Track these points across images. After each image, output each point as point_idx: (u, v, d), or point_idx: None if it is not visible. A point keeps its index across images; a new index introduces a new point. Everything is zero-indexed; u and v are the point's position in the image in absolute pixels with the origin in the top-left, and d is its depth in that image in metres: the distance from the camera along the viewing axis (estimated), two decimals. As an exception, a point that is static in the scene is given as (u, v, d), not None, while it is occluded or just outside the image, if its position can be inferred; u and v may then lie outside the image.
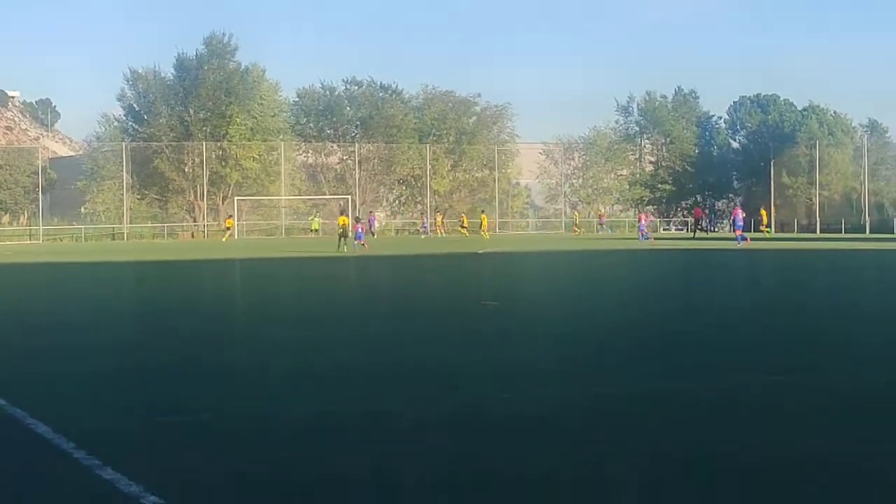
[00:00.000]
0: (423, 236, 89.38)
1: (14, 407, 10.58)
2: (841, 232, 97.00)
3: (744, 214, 72.93)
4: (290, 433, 9.58)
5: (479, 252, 54.89)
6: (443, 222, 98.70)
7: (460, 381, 12.46)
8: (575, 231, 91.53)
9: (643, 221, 77.07)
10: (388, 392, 11.75)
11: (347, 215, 65.93)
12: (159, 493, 7.26)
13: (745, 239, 64.01)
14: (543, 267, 44.80)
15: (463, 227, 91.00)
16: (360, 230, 58.17)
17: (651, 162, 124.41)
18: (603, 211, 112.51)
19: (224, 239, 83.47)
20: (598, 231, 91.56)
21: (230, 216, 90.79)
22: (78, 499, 7.22)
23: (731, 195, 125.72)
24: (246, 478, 7.94)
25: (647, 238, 72.32)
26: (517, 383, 12.37)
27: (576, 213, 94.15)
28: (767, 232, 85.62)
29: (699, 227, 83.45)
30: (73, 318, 21.58)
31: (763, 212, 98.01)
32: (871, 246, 61.06)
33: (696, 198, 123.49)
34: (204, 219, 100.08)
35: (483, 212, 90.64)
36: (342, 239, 57.89)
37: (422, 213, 72.87)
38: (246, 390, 11.98)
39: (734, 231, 67.87)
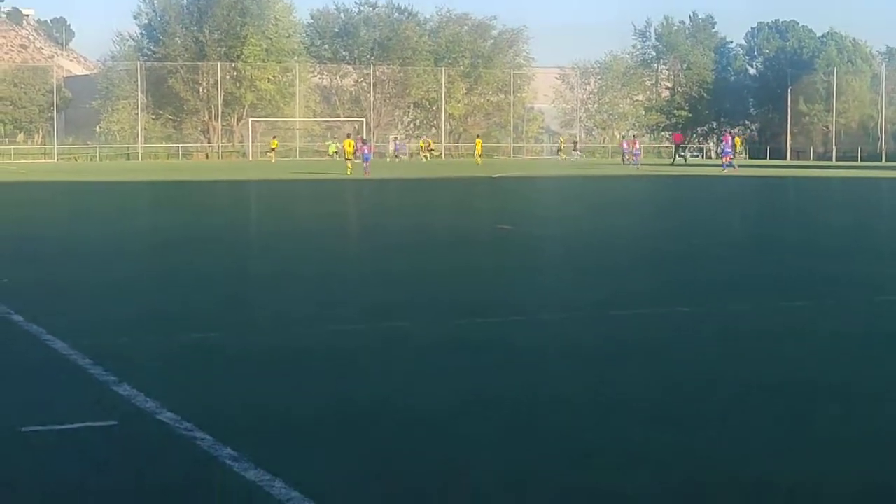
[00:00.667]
0: (397, 160, 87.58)
1: (30, 324, 10.60)
2: (857, 160, 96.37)
3: (734, 141, 72.07)
4: (304, 356, 9.58)
5: (494, 177, 54.72)
6: (430, 146, 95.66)
7: (478, 305, 12.45)
8: (561, 157, 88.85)
9: (626, 147, 76.45)
10: (404, 315, 11.74)
11: (353, 138, 65.37)
12: (175, 409, 7.26)
13: (733, 166, 63.07)
14: (553, 192, 44.71)
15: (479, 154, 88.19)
16: (367, 152, 57.59)
17: (667, 88, 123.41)
18: (578, 140, 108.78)
19: (272, 161, 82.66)
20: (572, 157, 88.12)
21: (274, 137, 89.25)
22: (94, 414, 7.22)
23: (746, 122, 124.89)
24: (262, 392, 7.95)
25: (636, 164, 71.44)
26: (534, 307, 12.36)
27: (561, 140, 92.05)
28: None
29: (679, 153, 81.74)
30: (91, 236, 21.60)
31: (738, 140, 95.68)
32: (876, 175, 60.65)
33: (711, 124, 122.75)
34: (218, 140, 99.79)
35: (478, 136, 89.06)
36: (349, 161, 57.99)
37: (394, 139, 68.56)
38: (263, 316, 11.96)
39: (722, 157, 66.34)
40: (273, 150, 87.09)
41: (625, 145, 77.14)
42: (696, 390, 8.21)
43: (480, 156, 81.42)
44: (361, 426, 7.11)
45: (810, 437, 6.95)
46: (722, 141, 69.85)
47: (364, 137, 71.40)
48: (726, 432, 6.98)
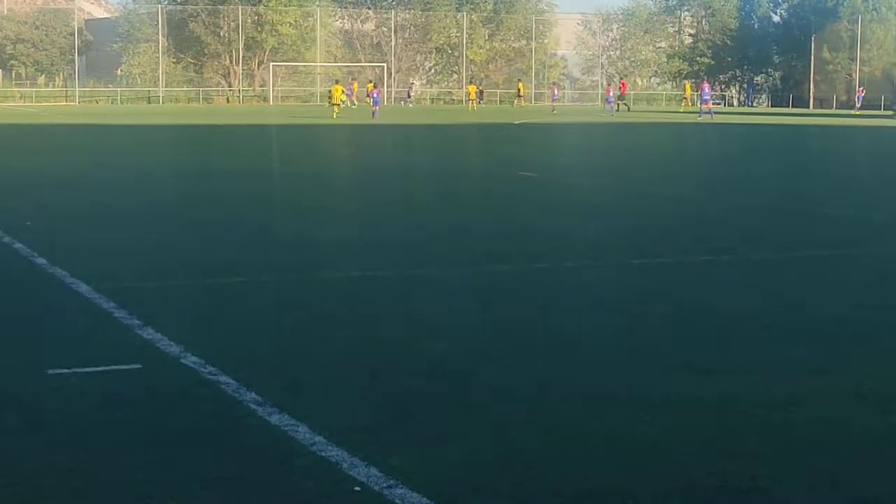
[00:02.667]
0: (353, 107, 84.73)
1: (54, 266, 10.63)
2: (880, 109, 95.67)
3: (710, 89, 72.01)
4: (328, 302, 9.60)
5: (516, 123, 54.57)
6: (412, 94, 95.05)
7: (498, 250, 12.46)
8: (518, 104, 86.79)
9: (611, 93, 76.68)
10: (426, 259, 11.76)
11: (341, 84, 65.01)
12: (199, 353, 7.28)
13: (711, 113, 63.10)
14: (572, 138, 44.58)
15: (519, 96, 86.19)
16: (376, 96, 57.22)
17: (690, 35, 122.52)
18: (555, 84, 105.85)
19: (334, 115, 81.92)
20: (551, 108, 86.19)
21: (337, 81, 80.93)
22: (118, 358, 7.25)
23: (769, 69, 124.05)
24: (286, 338, 7.98)
25: (611, 111, 71.55)
26: (555, 252, 12.36)
27: (520, 85, 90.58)
28: (686, 107, 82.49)
29: (623, 102, 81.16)
30: (115, 182, 21.64)
31: (687, 85, 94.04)
32: (883, 123, 60.26)
33: (733, 72, 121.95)
34: (239, 84, 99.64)
35: (471, 82, 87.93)
36: (335, 106, 57.99)
37: (373, 83, 65.77)
38: (286, 255, 12.00)
39: (700, 104, 66.12)
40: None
41: (610, 92, 77.46)
42: (718, 338, 8.20)
43: (476, 102, 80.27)
44: (384, 371, 7.13)
45: (832, 384, 6.94)
46: (700, 89, 69.62)
47: (373, 80, 70.79)
48: (748, 379, 6.97)
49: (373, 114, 54.89)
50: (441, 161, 28.86)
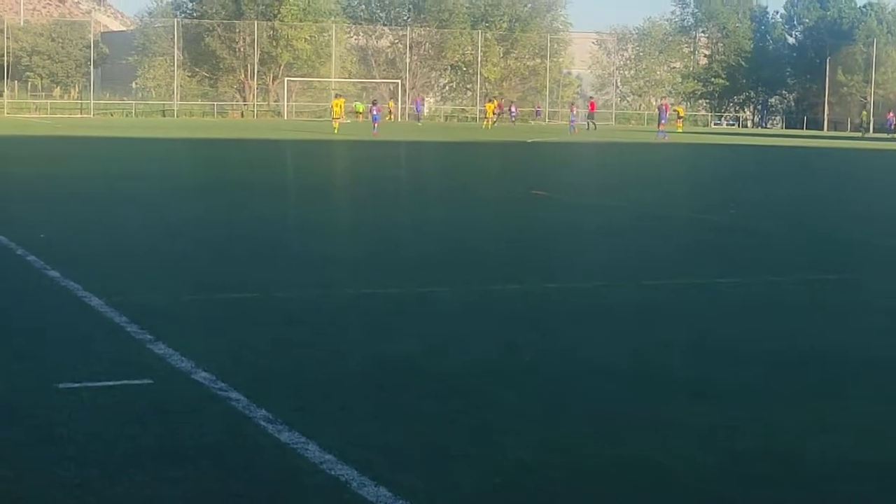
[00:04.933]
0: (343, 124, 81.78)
1: (67, 279, 10.63)
2: (893, 132, 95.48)
3: (669, 110, 72.03)
4: (340, 318, 9.59)
5: (528, 141, 54.58)
6: (392, 107, 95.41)
7: (512, 270, 12.45)
8: (486, 123, 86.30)
9: (574, 111, 77.08)
10: (438, 277, 11.75)
11: (342, 98, 65.30)
12: (211, 369, 7.28)
13: (665, 135, 62.64)
14: (587, 157, 44.57)
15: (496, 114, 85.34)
16: (376, 113, 57.35)
17: (705, 55, 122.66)
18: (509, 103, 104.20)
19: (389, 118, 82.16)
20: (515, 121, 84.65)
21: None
22: (129, 373, 7.25)
23: (783, 91, 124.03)
24: (297, 355, 7.97)
25: (573, 129, 71.81)
26: (566, 272, 12.35)
27: (489, 105, 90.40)
28: (681, 128, 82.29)
29: (591, 121, 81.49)
30: (130, 195, 21.67)
31: (679, 108, 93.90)
32: (884, 147, 60.12)
33: (748, 93, 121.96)
34: (254, 98, 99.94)
35: (490, 100, 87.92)
36: (336, 121, 58.41)
37: (374, 102, 64.93)
38: (298, 271, 12.00)
39: (660, 125, 65.62)
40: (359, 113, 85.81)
41: (573, 110, 77.92)
42: (728, 362, 8.17)
43: (491, 119, 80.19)
44: (395, 389, 7.12)
45: (845, 410, 6.91)
46: (663, 109, 68.82)
47: (374, 98, 70.65)
48: (758, 405, 6.95)
49: (373, 131, 54.93)
50: (454, 179, 28.87)
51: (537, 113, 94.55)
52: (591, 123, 79.24)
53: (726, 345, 8.76)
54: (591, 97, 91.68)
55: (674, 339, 8.93)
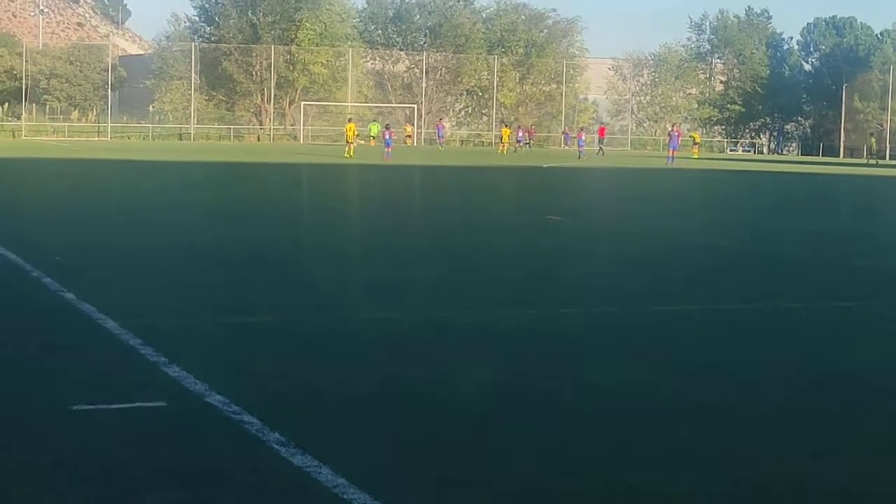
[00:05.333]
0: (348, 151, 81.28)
1: (83, 302, 10.66)
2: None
3: (681, 135, 70.99)
4: (353, 342, 9.60)
5: (544, 167, 54.62)
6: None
7: (527, 295, 12.45)
8: (501, 149, 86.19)
9: (582, 137, 77.16)
10: (452, 302, 11.75)
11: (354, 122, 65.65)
12: (224, 392, 7.29)
13: (673, 160, 62.36)
14: (602, 183, 44.56)
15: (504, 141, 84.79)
16: (388, 137, 57.38)
17: (721, 82, 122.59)
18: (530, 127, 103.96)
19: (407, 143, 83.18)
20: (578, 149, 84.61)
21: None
22: (144, 395, 7.27)
23: (799, 118, 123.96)
24: (310, 378, 7.97)
25: (582, 154, 71.75)
26: (580, 297, 12.34)
27: (505, 130, 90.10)
28: (697, 154, 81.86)
29: (601, 146, 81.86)
30: (145, 218, 21.73)
31: (694, 134, 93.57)
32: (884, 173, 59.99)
33: (764, 120, 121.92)
34: (270, 122, 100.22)
35: (507, 126, 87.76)
36: (350, 145, 58.76)
37: (387, 127, 63.86)
38: (312, 295, 12.02)
39: (670, 151, 64.69)
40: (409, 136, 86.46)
41: (581, 136, 77.80)
42: (744, 388, 8.15)
43: (506, 146, 79.87)
44: (409, 413, 7.12)
45: (858, 438, 6.89)
46: (674, 135, 67.56)
47: (388, 122, 70.67)
48: (775, 431, 6.93)
49: (384, 155, 54.86)
50: (469, 203, 28.88)
51: (566, 138, 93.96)
52: (601, 149, 79.50)
53: (740, 370, 8.74)
54: (601, 123, 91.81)
55: (687, 365, 8.91)
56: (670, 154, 63.57)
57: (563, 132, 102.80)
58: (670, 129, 74.10)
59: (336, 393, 7.62)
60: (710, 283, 14.03)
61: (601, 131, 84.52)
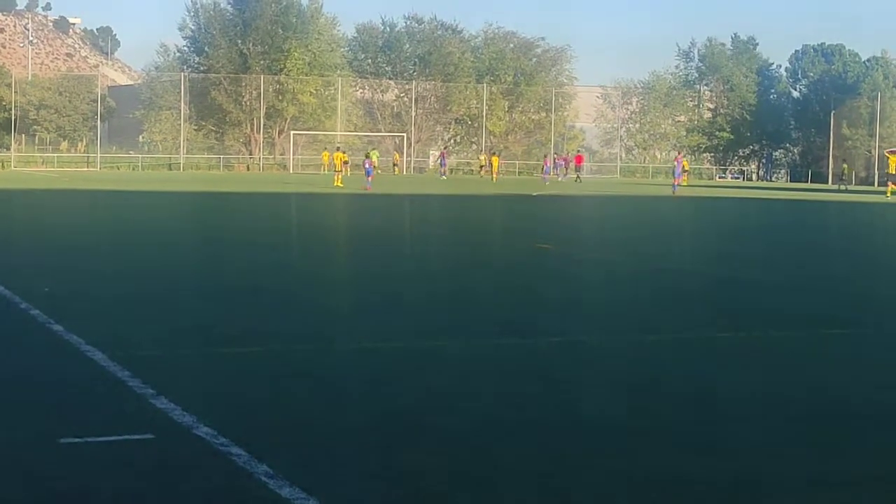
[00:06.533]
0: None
1: (70, 333, 10.65)
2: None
3: (685, 162, 70.01)
4: (342, 374, 9.59)
5: (534, 195, 54.72)
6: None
7: (516, 323, 12.46)
8: (482, 175, 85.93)
9: (547, 164, 77.26)
10: (441, 331, 11.74)
11: (343, 151, 66.10)
12: (212, 424, 7.27)
13: (674, 188, 61.39)
14: (592, 211, 44.64)
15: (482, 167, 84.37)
16: (368, 167, 57.22)
17: (710, 109, 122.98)
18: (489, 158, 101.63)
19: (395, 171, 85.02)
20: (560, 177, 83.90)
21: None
22: (131, 427, 7.25)
23: (788, 144, 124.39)
24: (299, 409, 7.96)
25: (545, 179, 71.82)
26: (570, 326, 12.35)
27: (482, 157, 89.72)
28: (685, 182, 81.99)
29: (577, 173, 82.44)
30: (133, 247, 21.71)
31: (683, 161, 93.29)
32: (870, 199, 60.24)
33: (752, 146, 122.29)
34: (260, 152, 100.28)
35: (496, 154, 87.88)
36: (338, 174, 59.15)
37: (367, 156, 64.12)
38: (300, 324, 12.01)
39: (675, 179, 63.35)
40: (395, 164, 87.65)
41: (547, 163, 77.95)
42: (734, 417, 8.15)
43: (488, 172, 79.99)
44: (397, 445, 7.11)
45: (852, 466, 6.89)
46: (678, 163, 66.54)
47: (367, 151, 70.85)
48: (767, 460, 6.93)
49: (366, 185, 54.60)
50: (458, 232, 28.88)
51: (565, 164, 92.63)
52: (577, 176, 79.88)
53: (730, 399, 8.74)
54: (578, 151, 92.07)
55: (677, 393, 8.91)
56: (675, 183, 62.79)
57: (562, 158, 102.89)
58: (675, 157, 73.88)
59: (324, 424, 7.60)
60: (698, 311, 14.03)
61: (578, 159, 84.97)
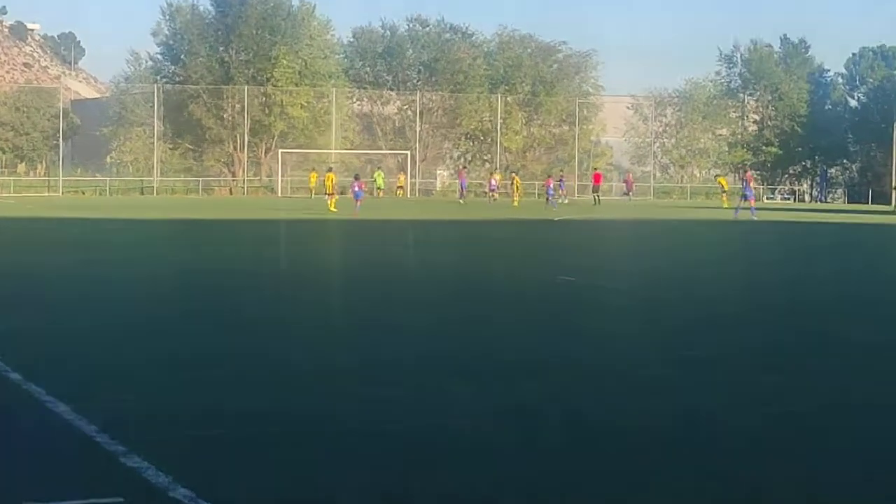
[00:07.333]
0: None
1: (29, 383, 10.70)
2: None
3: (753, 182, 65.86)
4: (340, 435, 9.61)
5: (555, 220, 54.77)
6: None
7: (536, 370, 12.48)
8: (494, 198, 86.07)
9: (550, 185, 76.57)
10: (452, 378, 11.76)
11: (335, 172, 66.52)
12: (190, 485, 7.33)
13: (752, 210, 58.54)
14: (612, 237, 44.64)
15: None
16: (358, 189, 57.01)
17: (755, 121, 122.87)
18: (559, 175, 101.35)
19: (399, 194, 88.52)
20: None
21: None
22: (100, 489, 7.31)
23: (845, 160, 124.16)
24: (283, 479, 8.00)
25: (553, 204, 71.52)
26: (598, 378, 12.38)
27: (496, 176, 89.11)
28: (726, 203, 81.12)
29: (596, 194, 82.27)
30: (99, 283, 21.77)
31: (722, 179, 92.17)
32: None
33: (804, 163, 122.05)
34: (244, 173, 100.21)
35: (514, 173, 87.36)
36: (330, 197, 59.35)
37: (356, 177, 64.38)
38: (294, 382, 12.02)
39: (744, 200, 60.02)
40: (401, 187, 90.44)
41: (549, 184, 77.45)
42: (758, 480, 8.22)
43: (519, 195, 79.69)
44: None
45: None
46: (744, 181, 63.46)
47: (357, 173, 70.93)
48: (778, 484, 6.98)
49: (355, 209, 54.48)
50: (472, 263, 28.83)
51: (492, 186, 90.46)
52: (596, 198, 79.76)
53: (763, 461, 8.80)
54: (595, 169, 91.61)
55: (723, 453, 8.95)
56: (752, 205, 59.66)
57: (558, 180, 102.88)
58: (743, 175, 71.51)
59: (314, 494, 7.64)
60: (751, 360, 14.05)
61: (595, 178, 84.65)
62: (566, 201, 78.36)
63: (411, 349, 13.79)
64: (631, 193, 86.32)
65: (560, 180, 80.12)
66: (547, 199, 73.59)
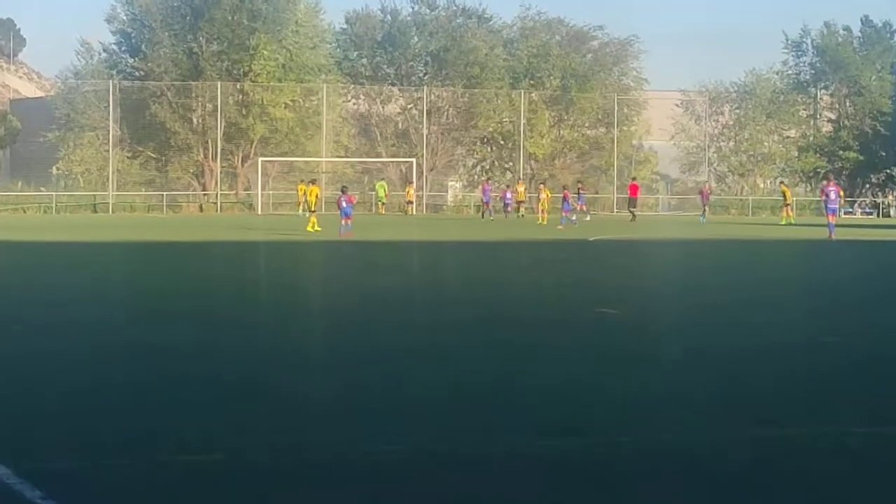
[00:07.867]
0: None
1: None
2: None
3: (836, 194, 60.91)
4: (335, 486, 9.61)
5: (591, 240, 54.82)
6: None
7: (573, 416, 12.47)
8: (522, 213, 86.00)
9: (568, 198, 75.15)
10: (460, 429, 11.74)
11: (320, 185, 66.96)
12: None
13: (830, 228, 56.47)
14: (667, 261, 44.65)
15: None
16: (346, 205, 56.48)
17: (830, 120, 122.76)
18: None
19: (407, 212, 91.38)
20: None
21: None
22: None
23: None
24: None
25: (572, 220, 71.16)
26: (643, 420, 12.35)
27: (520, 189, 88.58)
28: (787, 218, 79.95)
29: (631, 209, 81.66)
30: (39, 319, 21.81)
31: (785, 189, 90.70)
32: None
33: (889, 171, 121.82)
34: (217, 186, 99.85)
35: (543, 184, 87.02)
36: (311, 214, 59.72)
37: (343, 190, 63.83)
38: (267, 423, 12.02)
39: (827, 215, 58.68)
40: (410, 202, 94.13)
41: (567, 196, 76.53)
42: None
43: (546, 209, 79.23)
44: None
45: None
46: (835, 193, 59.59)
47: (344, 185, 70.89)
48: None
49: (341, 229, 54.08)
50: (493, 293, 28.84)
51: (501, 199, 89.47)
52: (632, 213, 79.57)
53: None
54: (633, 178, 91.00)
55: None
56: (831, 221, 57.64)
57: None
58: (825, 185, 66.26)
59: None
60: (820, 398, 14.01)
61: (633, 189, 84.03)
62: (588, 218, 78.02)
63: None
64: (707, 209, 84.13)
65: (578, 193, 79.60)
66: (564, 213, 73.49)
